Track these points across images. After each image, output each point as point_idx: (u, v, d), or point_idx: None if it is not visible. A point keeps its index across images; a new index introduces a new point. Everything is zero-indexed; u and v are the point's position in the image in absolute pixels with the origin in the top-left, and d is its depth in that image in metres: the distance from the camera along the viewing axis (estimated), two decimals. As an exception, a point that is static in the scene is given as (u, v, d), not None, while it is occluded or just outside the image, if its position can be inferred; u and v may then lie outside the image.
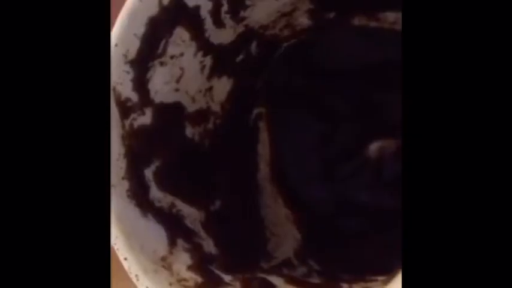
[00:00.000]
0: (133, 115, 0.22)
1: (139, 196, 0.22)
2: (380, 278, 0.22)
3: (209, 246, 0.23)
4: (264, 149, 0.28)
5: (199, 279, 0.21)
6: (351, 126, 0.28)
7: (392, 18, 0.25)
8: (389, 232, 0.26)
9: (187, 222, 0.23)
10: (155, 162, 0.23)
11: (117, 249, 0.20)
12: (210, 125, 0.26)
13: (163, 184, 0.23)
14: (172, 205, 0.23)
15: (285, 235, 0.26)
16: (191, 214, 0.23)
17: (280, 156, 0.28)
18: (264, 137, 0.28)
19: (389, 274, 0.21)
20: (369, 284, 0.22)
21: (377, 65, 0.26)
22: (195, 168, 0.25)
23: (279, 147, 0.28)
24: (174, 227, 0.22)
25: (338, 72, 0.27)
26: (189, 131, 0.25)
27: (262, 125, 0.28)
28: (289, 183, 0.28)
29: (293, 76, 0.28)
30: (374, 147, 0.28)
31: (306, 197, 0.28)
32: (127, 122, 0.22)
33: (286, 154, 0.28)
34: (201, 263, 0.22)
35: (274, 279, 0.23)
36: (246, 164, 0.28)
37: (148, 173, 0.23)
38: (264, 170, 0.28)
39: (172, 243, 0.22)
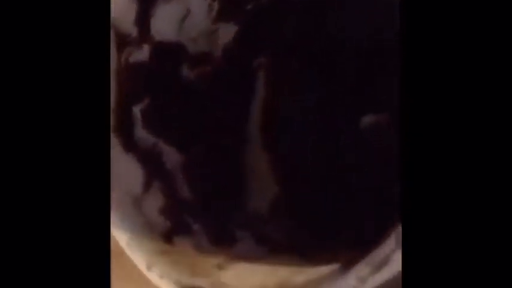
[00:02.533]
0: (129, 49, 0.22)
1: (124, 132, 0.22)
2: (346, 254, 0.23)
3: (184, 191, 0.23)
4: (259, 98, 0.28)
5: (168, 224, 0.21)
6: (348, 94, 0.28)
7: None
8: (367, 211, 0.26)
9: (167, 164, 0.23)
10: (145, 100, 0.23)
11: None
12: (209, 69, 0.26)
13: (150, 122, 0.23)
14: (155, 145, 0.23)
15: (263, 188, 0.27)
16: (172, 156, 0.24)
17: (274, 109, 0.28)
18: (261, 86, 0.28)
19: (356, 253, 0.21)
20: (331, 256, 0.23)
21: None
22: (185, 109, 0.25)
23: (275, 99, 0.28)
24: (153, 168, 0.23)
25: (345, 38, 0.27)
26: (186, 72, 0.25)
27: (262, 74, 0.28)
28: (278, 137, 0.28)
29: (301, 33, 0.28)
30: (368, 119, 0.27)
31: (292, 153, 0.28)
32: (123, 56, 0.22)
33: (280, 107, 0.28)
34: (173, 207, 0.22)
35: (242, 233, 0.23)
36: (238, 111, 0.28)
37: (137, 110, 0.23)
38: (255, 119, 0.28)
39: (148, 184, 0.22)
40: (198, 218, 0.22)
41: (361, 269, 0.18)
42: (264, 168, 0.27)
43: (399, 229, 0.17)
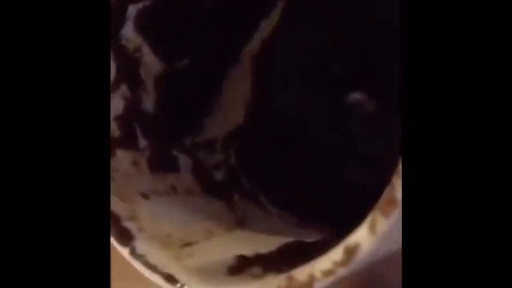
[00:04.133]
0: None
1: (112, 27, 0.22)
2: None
3: (148, 103, 0.23)
4: (267, 27, 0.27)
5: (117, 133, 0.22)
6: (347, 62, 0.27)
7: None
8: (333, 186, 0.26)
9: (141, 72, 0.23)
10: (145, 1, 0.22)
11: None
12: (225, -16, 0.25)
13: (142, 23, 0.23)
14: (137, 49, 0.23)
15: (229, 114, 0.27)
16: (151, 64, 0.23)
17: (276, 42, 0.28)
18: (274, 17, 0.27)
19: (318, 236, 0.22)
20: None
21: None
22: (184, 19, 0.24)
23: (282, 34, 0.27)
24: (126, 70, 0.23)
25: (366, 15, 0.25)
26: (199, -18, 0.24)
27: (280, 4, 0.27)
28: (270, 71, 0.28)
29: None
30: (354, 96, 0.27)
31: (274, 93, 0.28)
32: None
33: (284, 44, 0.28)
34: (129, 117, 0.22)
35: (183, 160, 0.24)
36: (239, 31, 0.27)
37: (132, 9, 0.22)
38: (253, 45, 0.27)
39: (115, 86, 0.22)
40: (148, 136, 0.23)
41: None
42: (238, 101, 0.27)
43: (374, 215, 0.15)
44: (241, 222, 0.23)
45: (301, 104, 0.28)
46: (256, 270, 0.18)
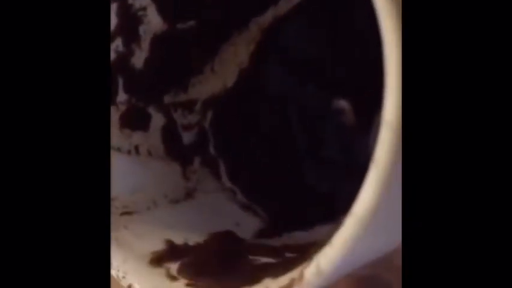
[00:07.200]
0: None
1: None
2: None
3: (139, 59, 0.24)
4: (284, 5, 0.27)
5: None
6: (347, 67, 0.27)
7: None
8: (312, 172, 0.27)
9: (140, 29, 0.23)
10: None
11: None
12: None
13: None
14: (143, 8, 0.23)
15: (221, 77, 0.27)
16: (153, 22, 0.23)
17: (289, 23, 0.27)
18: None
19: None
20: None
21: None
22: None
23: (297, 17, 0.27)
24: (125, 25, 0.23)
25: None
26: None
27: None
28: (274, 47, 0.28)
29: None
30: (340, 104, 0.28)
31: (270, 71, 0.28)
32: None
33: (295, 28, 0.27)
34: (115, 69, 0.23)
35: (157, 118, 0.25)
36: (256, 2, 0.26)
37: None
38: (265, 18, 0.27)
39: (112, 37, 0.23)
40: (129, 90, 0.24)
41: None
42: (234, 66, 0.27)
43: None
44: (189, 195, 0.25)
45: (291, 91, 0.28)
46: (172, 270, 0.20)
